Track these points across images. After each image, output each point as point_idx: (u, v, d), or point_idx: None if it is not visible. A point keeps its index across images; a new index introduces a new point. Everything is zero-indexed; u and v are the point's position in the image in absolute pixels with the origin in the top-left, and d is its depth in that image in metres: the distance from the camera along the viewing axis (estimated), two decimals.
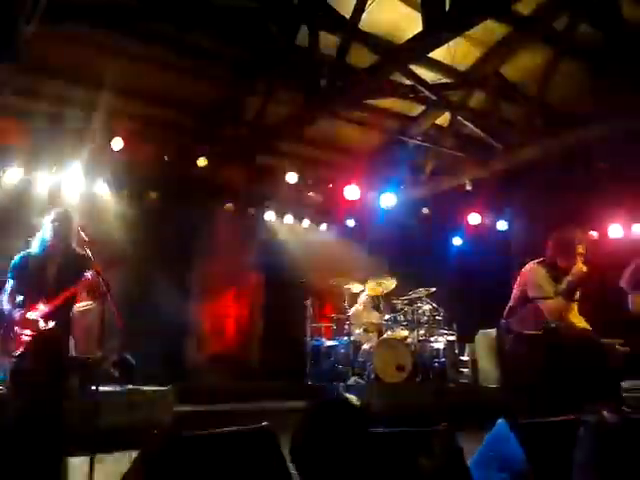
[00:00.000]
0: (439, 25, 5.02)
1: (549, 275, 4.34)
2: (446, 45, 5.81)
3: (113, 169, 7.37)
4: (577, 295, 4.42)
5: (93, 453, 3.10)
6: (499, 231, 8.95)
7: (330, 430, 1.45)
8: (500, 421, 3.31)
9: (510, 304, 4.64)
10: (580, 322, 4.40)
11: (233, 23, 6.09)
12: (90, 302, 5.73)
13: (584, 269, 4.26)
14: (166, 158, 7.62)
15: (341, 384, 6.89)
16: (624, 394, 6.72)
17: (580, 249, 4.27)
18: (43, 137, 6.77)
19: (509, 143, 7.09)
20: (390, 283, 7.70)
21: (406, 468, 2.74)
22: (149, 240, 7.64)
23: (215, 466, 2.63)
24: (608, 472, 1.80)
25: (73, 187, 7.23)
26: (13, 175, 6.84)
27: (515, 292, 4.62)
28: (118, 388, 5.37)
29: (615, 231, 8.63)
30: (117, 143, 6.95)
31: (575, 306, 4.43)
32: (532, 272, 4.42)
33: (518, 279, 4.61)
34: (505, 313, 4.67)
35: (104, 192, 7.51)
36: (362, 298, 7.94)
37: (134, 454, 2.65)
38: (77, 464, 3.38)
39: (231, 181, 8.22)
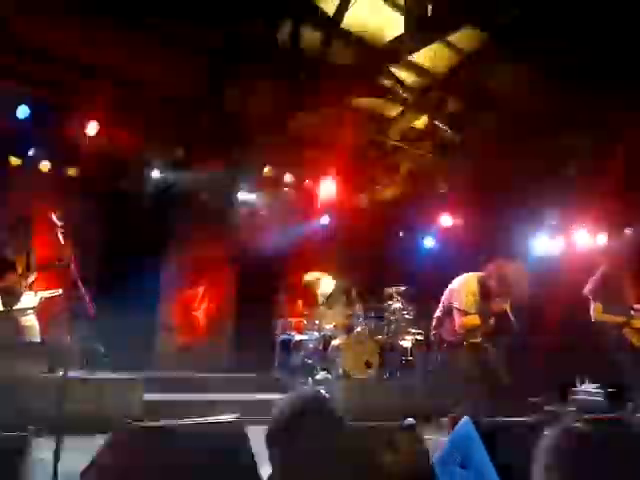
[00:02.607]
0: (420, 29, 5.12)
1: (480, 291, 4.45)
2: (426, 49, 5.91)
3: (86, 155, 7.26)
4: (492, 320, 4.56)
5: (58, 439, 3.07)
6: (470, 233, 9.10)
7: (305, 423, 1.49)
8: (464, 419, 3.42)
9: (438, 314, 4.79)
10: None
11: (216, 14, 6.06)
12: (58, 289, 5.68)
13: (505, 308, 4.42)
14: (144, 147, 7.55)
15: (309, 379, 6.96)
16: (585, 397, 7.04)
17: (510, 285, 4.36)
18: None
19: (482, 148, 7.24)
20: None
21: (371, 463, 2.82)
22: (123, 227, 7.58)
23: (183, 455, 2.66)
24: (573, 474, 1.88)
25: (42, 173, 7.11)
26: None
27: (444, 302, 4.74)
28: (87, 375, 5.34)
29: (581, 239, 8.86)
30: (92, 128, 6.85)
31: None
32: (465, 283, 4.54)
33: (447, 291, 4.72)
34: (434, 324, 4.82)
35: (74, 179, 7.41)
36: (333, 294, 8.03)
37: (102, 441, 2.66)
38: (43, 447, 3.37)
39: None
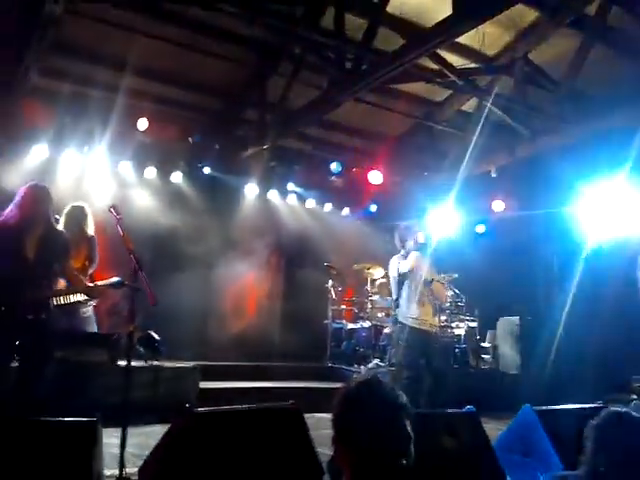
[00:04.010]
0: (469, 9, 4.95)
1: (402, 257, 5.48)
2: (475, 29, 5.72)
3: (138, 149, 7.44)
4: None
5: (124, 425, 3.12)
6: (522, 218, 8.83)
7: (371, 409, 1.47)
8: (525, 407, 3.34)
9: (394, 298, 5.48)
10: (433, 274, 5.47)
11: (259, 4, 6.06)
12: (115, 279, 5.77)
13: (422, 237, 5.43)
14: (190, 140, 7.68)
15: (362, 367, 6.96)
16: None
17: (418, 235, 5.44)
18: (68, 118, 6.85)
19: (537, 129, 6.99)
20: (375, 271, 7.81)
21: (432, 448, 2.79)
22: (175, 221, 7.75)
23: (244, 440, 2.70)
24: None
25: (98, 167, 7.32)
26: (38, 155, 6.91)
27: (392, 285, 5.54)
28: (144, 364, 5.48)
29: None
30: (142, 124, 7.01)
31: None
32: (391, 263, 5.52)
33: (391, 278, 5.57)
34: (393, 307, 5.52)
35: (128, 172, 7.61)
36: (383, 282, 7.97)
37: (162, 428, 2.71)
38: (112, 436, 3.47)
39: (254, 164, 8.25)
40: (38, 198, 3.77)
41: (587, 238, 7.76)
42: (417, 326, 5.10)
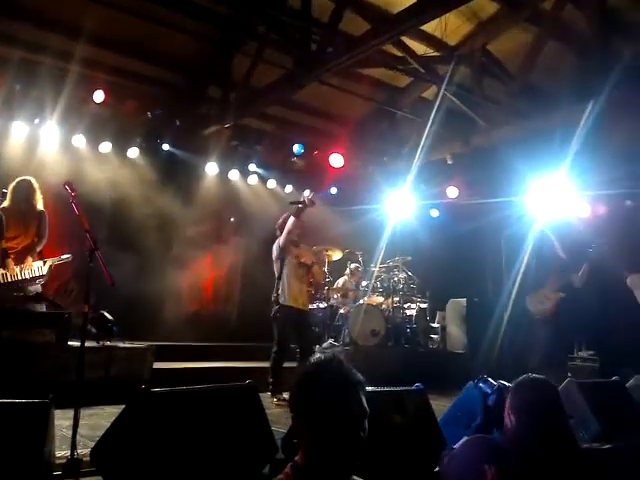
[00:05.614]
0: None
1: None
2: (438, 19, 5.82)
3: (92, 122, 7.21)
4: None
5: (76, 407, 3.05)
6: (474, 205, 9.07)
7: (329, 385, 1.53)
8: (469, 384, 3.50)
9: (276, 277, 5.80)
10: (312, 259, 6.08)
11: None
12: (67, 255, 5.59)
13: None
14: (149, 114, 7.50)
15: (317, 346, 7.06)
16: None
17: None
18: (18, 86, 6.57)
19: (492, 120, 7.18)
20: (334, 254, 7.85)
21: (381, 425, 2.91)
22: (131, 197, 7.60)
23: (199, 420, 2.73)
24: None
25: (50, 139, 7.06)
26: None
27: (274, 267, 5.85)
28: (96, 344, 5.37)
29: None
30: (98, 96, 6.81)
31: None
32: (273, 247, 5.91)
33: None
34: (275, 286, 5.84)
35: (81, 145, 7.36)
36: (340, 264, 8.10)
37: (114, 409, 2.66)
38: (61, 417, 3.41)
39: (215, 142, 8.15)
40: None
41: (534, 225, 8.07)
42: (291, 304, 5.63)
